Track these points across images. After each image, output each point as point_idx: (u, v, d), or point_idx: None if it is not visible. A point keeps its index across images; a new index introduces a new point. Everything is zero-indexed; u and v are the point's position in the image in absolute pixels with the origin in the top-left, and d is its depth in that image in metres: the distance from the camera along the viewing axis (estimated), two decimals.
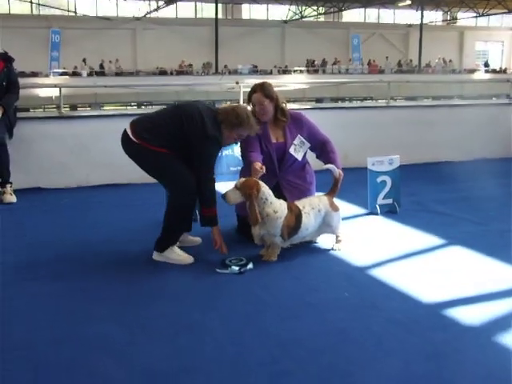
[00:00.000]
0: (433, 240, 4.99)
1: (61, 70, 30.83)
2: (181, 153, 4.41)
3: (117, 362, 2.98)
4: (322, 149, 5.07)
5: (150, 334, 3.29)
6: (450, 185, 7.09)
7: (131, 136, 4.46)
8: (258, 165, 4.54)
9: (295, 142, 5.02)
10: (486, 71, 39.18)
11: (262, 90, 4.94)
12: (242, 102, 7.89)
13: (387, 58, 38.33)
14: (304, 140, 5.04)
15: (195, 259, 4.49)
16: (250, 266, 4.34)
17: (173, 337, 3.24)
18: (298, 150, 5.03)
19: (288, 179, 5.03)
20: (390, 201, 5.86)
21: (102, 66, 33.74)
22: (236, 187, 4.37)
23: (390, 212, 5.82)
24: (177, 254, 4.53)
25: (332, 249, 4.73)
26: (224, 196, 4.37)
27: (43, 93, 18.83)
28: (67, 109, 23.37)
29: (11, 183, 6.48)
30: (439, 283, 4.02)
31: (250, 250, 4.63)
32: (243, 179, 4.42)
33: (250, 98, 4.99)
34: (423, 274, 4.21)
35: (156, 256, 4.55)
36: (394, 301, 3.72)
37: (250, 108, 4.94)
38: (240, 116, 4.47)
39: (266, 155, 4.91)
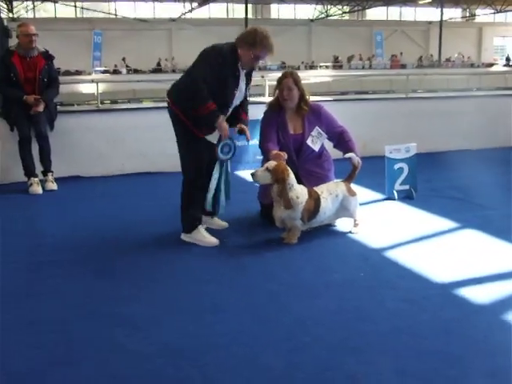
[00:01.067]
0: (446, 223, 4.89)
1: (102, 69, 30.98)
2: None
3: (143, 338, 2.96)
4: (339, 139, 4.96)
5: (174, 312, 3.27)
6: (463, 172, 6.95)
7: (168, 100, 4.46)
8: (277, 152, 4.47)
9: (313, 133, 4.92)
10: (507, 65, 38.38)
11: (293, 76, 4.86)
12: (267, 96, 7.84)
13: (401, 53, 37.78)
14: (321, 131, 4.93)
15: (220, 242, 4.46)
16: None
17: (197, 315, 3.22)
18: (316, 141, 4.93)
19: (306, 168, 4.92)
20: (406, 187, 5.76)
21: (159, 64, 33.89)
22: (267, 169, 4.30)
23: (406, 197, 5.72)
24: (203, 236, 4.51)
25: (350, 232, 4.67)
26: (253, 174, 4.32)
27: (86, 89, 19.00)
28: (108, 103, 23.70)
29: (53, 172, 6.52)
30: (451, 264, 3.94)
31: (272, 232, 4.59)
32: (275, 162, 4.34)
33: (280, 82, 4.87)
34: (436, 255, 4.13)
35: (184, 236, 4.55)
36: (407, 281, 3.66)
37: (276, 92, 4.89)
38: (256, 35, 4.26)
39: (283, 146, 4.81)
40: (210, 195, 4.46)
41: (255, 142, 7.05)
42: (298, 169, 4.86)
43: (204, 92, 4.14)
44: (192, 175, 4.46)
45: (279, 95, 4.87)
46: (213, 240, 4.49)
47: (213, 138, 4.43)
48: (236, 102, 4.47)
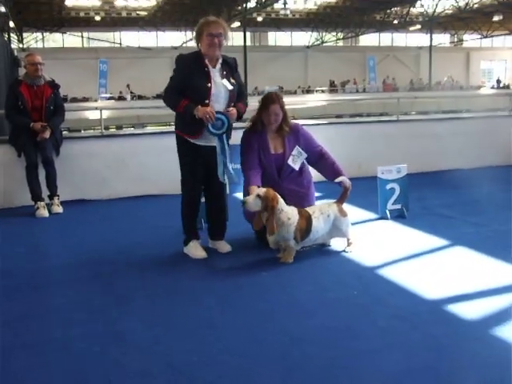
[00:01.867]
0: (438, 241, 4.86)
1: (108, 95, 31.22)
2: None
3: (142, 355, 2.93)
4: (319, 158, 4.92)
5: (171, 330, 3.24)
6: (453, 190, 6.94)
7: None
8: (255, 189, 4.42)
9: (293, 152, 4.86)
10: (498, 87, 38.55)
11: (279, 101, 4.80)
12: None
13: (393, 79, 37.97)
14: (301, 150, 4.88)
15: (217, 262, 4.44)
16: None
17: (194, 333, 3.18)
18: (296, 160, 4.87)
19: (288, 187, 4.84)
20: (398, 206, 5.74)
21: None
22: (259, 196, 4.28)
23: (399, 216, 5.70)
24: (193, 248, 4.66)
25: (343, 251, 4.64)
26: (244, 202, 4.29)
27: (92, 115, 19.07)
28: (113, 129, 23.73)
29: (58, 196, 6.50)
30: (443, 281, 3.90)
31: (268, 253, 4.56)
32: (265, 189, 4.31)
33: (266, 106, 4.77)
34: (427, 272, 4.10)
35: (184, 249, 4.71)
36: (399, 298, 3.62)
37: (258, 114, 4.85)
38: (198, 26, 4.48)
39: (265, 166, 4.79)
40: (220, 169, 4.53)
41: None
42: (281, 188, 4.76)
43: (173, 95, 4.45)
44: (187, 186, 4.62)
45: (265, 119, 4.79)
46: (199, 253, 4.60)
47: (212, 140, 4.49)
48: (220, 96, 4.47)
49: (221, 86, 4.48)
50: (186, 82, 4.41)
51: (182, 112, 4.42)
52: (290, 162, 4.86)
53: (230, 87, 4.50)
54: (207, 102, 4.41)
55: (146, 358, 2.90)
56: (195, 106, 4.35)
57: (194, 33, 4.57)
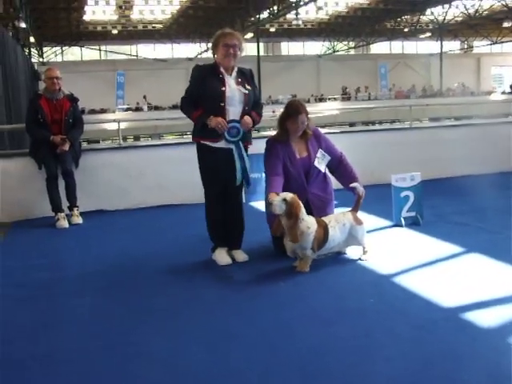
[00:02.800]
0: (453, 248, 4.80)
1: (125, 106, 31.35)
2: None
3: (160, 368, 2.90)
4: (339, 164, 4.94)
5: (190, 341, 3.21)
6: (467, 197, 6.85)
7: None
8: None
9: (317, 155, 4.86)
10: (510, 92, 38.11)
11: (305, 109, 4.78)
12: None
13: (400, 87, 37.76)
14: (325, 153, 4.89)
15: (233, 273, 4.42)
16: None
17: (212, 344, 3.16)
18: (321, 162, 4.87)
19: (314, 192, 4.85)
20: (413, 213, 5.68)
21: None
22: (285, 200, 4.23)
23: (413, 224, 5.64)
24: (218, 255, 4.70)
25: (359, 259, 4.59)
26: (271, 204, 4.22)
27: (110, 126, 19.19)
28: (131, 139, 23.84)
29: (78, 207, 6.52)
30: (459, 289, 3.84)
31: (284, 262, 4.53)
32: (291, 195, 4.28)
33: (293, 116, 4.72)
34: (444, 280, 4.04)
35: (212, 256, 4.76)
36: (415, 306, 3.57)
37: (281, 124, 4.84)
38: (214, 38, 4.58)
39: (292, 173, 4.76)
40: (238, 174, 4.59)
41: None
42: (307, 193, 4.79)
43: (188, 105, 4.56)
44: (209, 195, 4.67)
45: (291, 128, 4.76)
46: (225, 260, 4.63)
47: (227, 143, 4.53)
48: (235, 100, 4.51)
49: (235, 90, 4.52)
50: (201, 89, 4.48)
51: (195, 122, 4.55)
52: (316, 163, 4.84)
53: (245, 91, 4.54)
54: (222, 104, 4.45)
55: (165, 371, 2.87)
56: (208, 116, 4.43)
57: (211, 44, 4.68)
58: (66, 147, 6.40)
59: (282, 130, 4.84)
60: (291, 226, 4.23)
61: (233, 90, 4.51)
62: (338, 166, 4.96)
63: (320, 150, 4.89)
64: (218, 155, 4.54)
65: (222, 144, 4.54)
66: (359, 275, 4.26)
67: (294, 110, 4.77)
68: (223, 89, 4.47)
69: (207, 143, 4.56)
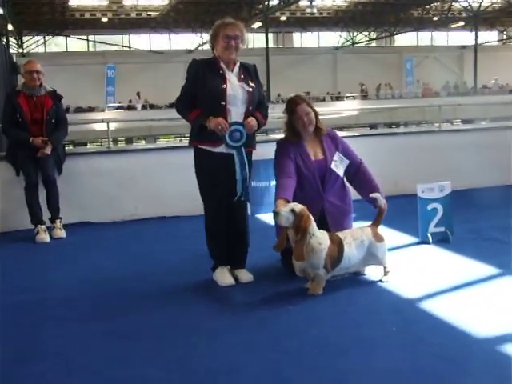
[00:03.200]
0: (487, 269, 4.78)
1: (116, 104, 31.45)
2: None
3: None
4: (357, 171, 4.95)
5: (188, 375, 3.20)
6: (505, 210, 6.80)
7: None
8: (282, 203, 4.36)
9: (335, 158, 4.88)
10: None
11: (304, 100, 4.87)
12: None
13: (427, 84, 37.71)
14: (343, 157, 4.91)
15: (240, 296, 4.42)
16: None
17: (212, 377, 3.15)
18: (338, 165, 4.88)
19: (331, 201, 4.85)
20: (441, 229, 5.67)
21: None
22: (293, 211, 4.23)
23: (442, 241, 5.62)
24: (220, 275, 4.69)
25: (380, 280, 4.58)
26: (277, 213, 4.21)
27: (99, 127, 19.26)
28: (122, 142, 23.90)
29: (61, 218, 6.55)
30: (494, 317, 3.81)
31: (294, 282, 4.53)
32: (301, 206, 4.28)
33: (293, 110, 4.82)
34: (478, 306, 4.02)
35: (213, 276, 4.76)
36: (444, 336, 3.55)
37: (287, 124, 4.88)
38: (213, 28, 4.59)
39: (306, 176, 4.77)
40: (239, 185, 4.58)
41: None
42: (323, 201, 4.80)
43: (184, 105, 4.58)
44: (209, 209, 4.67)
45: (298, 125, 4.81)
46: (227, 280, 4.63)
47: (228, 149, 4.54)
48: (237, 98, 4.52)
49: (238, 87, 4.54)
50: (199, 87, 4.50)
51: (192, 124, 4.59)
52: (333, 166, 4.84)
53: (248, 88, 4.55)
54: (223, 104, 4.46)
55: None
56: (207, 117, 4.44)
57: (209, 36, 4.68)
58: (48, 150, 6.42)
59: (290, 131, 4.87)
60: (298, 241, 4.24)
61: (235, 87, 4.52)
62: (357, 173, 4.97)
63: (337, 152, 4.91)
64: (218, 161, 4.54)
65: (222, 149, 4.55)
66: (379, 299, 4.25)
67: (291, 103, 4.87)
68: (224, 86, 4.48)
69: (205, 148, 4.57)
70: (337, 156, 4.90)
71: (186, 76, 4.62)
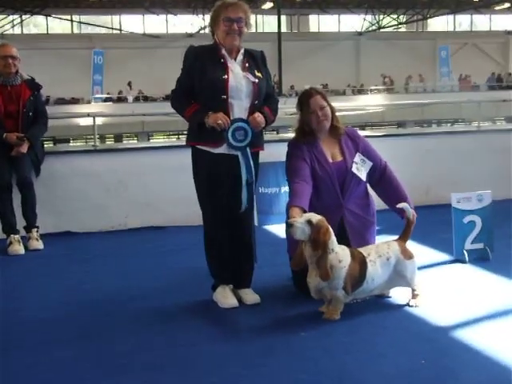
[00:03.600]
0: None
1: (104, 96, 31.51)
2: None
3: None
4: (382, 176, 4.95)
5: None
6: None
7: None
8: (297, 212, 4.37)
9: (356, 159, 4.89)
10: None
11: (319, 92, 4.91)
12: None
13: (467, 76, 37.66)
14: (365, 158, 4.91)
15: (245, 319, 4.42)
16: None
17: None
18: (360, 168, 4.88)
19: (351, 210, 4.86)
20: (480, 245, 5.67)
21: None
22: (310, 222, 4.21)
23: (480, 259, 5.63)
24: (221, 295, 4.69)
25: (408, 305, 4.58)
26: (291, 225, 4.20)
27: (84, 121, 19.27)
28: (111, 140, 23.90)
29: (38, 227, 6.58)
30: None
31: (308, 304, 4.54)
32: (319, 217, 4.27)
33: (306, 103, 4.86)
34: None
35: (213, 296, 4.78)
36: (480, 370, 3.54)
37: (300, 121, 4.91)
38: (213, 10, 4.59)
39: (324, 181, 4.79)
40: (244, 192, 4.60)
41: (288, 188, 7.08)
42: (343, 209, 4.82)
43: (180, 99, 4.61)
44: (209, 221, 4.69)
45: (312, 120, 4.84)
46: (229, 301, 4.63)
47: (231, 149, 4.56)
48: (241, 90, 4.53)
49: (241, 77, 4.54)
50: (197, 78, 4.51)
51: (189, 121, 4.60)
52: (354, 169, 4.85)
53: (254, 79, 4.55)
54: (224, 97, 4.48)
55: None
56: (206, 113, 4.44)
57: (209, 19, 4.69)
58: (24, 149, 6.45)
59: (304, 129, 4.90)
60: (319, 257, 4.24)
61: (238, 77, 4.52)
62: (381, 178, 4.97)
63: (358, 153, 4.92)
64: (219, 164, 4.55)
65: (224, 149, 4.55)
66: (407, 327, 4.24)
67: (304, 95, 4.92)
68: (225, 77, 4.49)
69: (205, 148, 4.58)
70: (358, 157, 4.91)
71: (182, 66, 4.64)
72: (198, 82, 4.51)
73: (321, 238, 4.22)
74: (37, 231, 6.56)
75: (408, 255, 4.58)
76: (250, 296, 4.76)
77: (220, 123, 4.41)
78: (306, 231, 4.21)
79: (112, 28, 39.86)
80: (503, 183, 7.63)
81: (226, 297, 4.68)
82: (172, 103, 4.69)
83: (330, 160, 4.87)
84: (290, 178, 4.77)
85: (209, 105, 4.47)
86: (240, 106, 4.53)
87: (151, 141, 24.21)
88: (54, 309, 4.76)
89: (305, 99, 4.88)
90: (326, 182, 4.80)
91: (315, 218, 4.26)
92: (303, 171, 4.72)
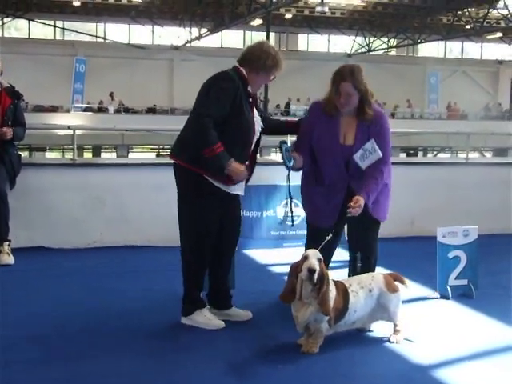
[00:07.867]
0: None
1: (84, 105, 31.48)
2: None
3: None
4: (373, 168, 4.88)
5: None
6: None
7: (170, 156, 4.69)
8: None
9: (367, 146, 4.84)
10: None
11: (353, 79, 4.83)
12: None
13: (455, 103, 37.97)
14: (377, 147, 4.83)
15: (219, 350, 4.40)
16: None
17: None
18: (366, 156, 4.84)
19: (358, 178, 4.87)
20: (464, 281, 5.69)
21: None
22: (320, 260, 4.19)
23: (464, 296, 5.65)
24: (206, 318, 4.68)
25: (389, 341, 4.58)
26: (314, 271, 4.09)
27: (62, 131, 19.20)
28: (89, 151, 23.86)
29: (9, 241, 6.51)
30: None
31: (284, 335, 4.53)
32: (314, 250, 4.25)
33: (337, 84, 4.84)
34: (502, 377, 4.02)
35: (184, 320, 4.72)
36: None
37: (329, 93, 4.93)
38: (267, 59, 4.63)
39: (330, 154, 4.87)
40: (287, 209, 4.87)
41: (271, 213, 7.09)
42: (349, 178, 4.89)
43: (210, 130, 4.33)
44: (191, 243, 4.64)
45: (336, 99, 4.86)
46: (216, 323, 4.67)
47: (239, 189, 4.63)
48: (256, 136, 4.65)
49: (257, 118, 4.67)
50: (235, 114, 4.46)
51: (210, 159, 4.38)
52: (356, 157, 4.85)
53: (261, 123, 4.68)
54: (251, 138, 4.62)
55: None
56: (229, 159, 4.39)
57: (259, 61, 4.64)
58: (8, 134, 6.37)
59: (329, 102, 4.93)
60: (324, 292, 4.20)
61: (256, 118, 4.64)
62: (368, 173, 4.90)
63: (373, 140, 4.87)
64: (224, 201, 4.59)
65: (238, 190, 4.66)
66: (386, 363, 4.24)
67: (337, 75, 4.88)
68: (253, 118, 4.58)
69: (215, 183, 4.53)
70: (370, 144, 4.86)
71: (218, 91, 4.44)
72: (235, 119, 4.44)
73: (325, 273, 4.23)
74: (8, 245, 6.49)
75: (392, 288, 4.58)
76: (242, 313, 4.85)
77: (237, 178, 4.48)
78: (317, 266, 4.16)
79: (96, 36, 39.80)
80: (490, 218, 7.67)
81: (209, 319, 4.71)
82: (197, 129, 4.43)
83: (342, 141, 4.90)
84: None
85: (235, 145, 4.46)
86: (247, 152, 4.64)
87: (130, 154, 24.14)
88: (23, 327, 4.70)
89: (338, 80, 4.85)
90: (334, 156, 4.88)
91: (318, 253, 4.26)
92: (300, 142, 4.94)
